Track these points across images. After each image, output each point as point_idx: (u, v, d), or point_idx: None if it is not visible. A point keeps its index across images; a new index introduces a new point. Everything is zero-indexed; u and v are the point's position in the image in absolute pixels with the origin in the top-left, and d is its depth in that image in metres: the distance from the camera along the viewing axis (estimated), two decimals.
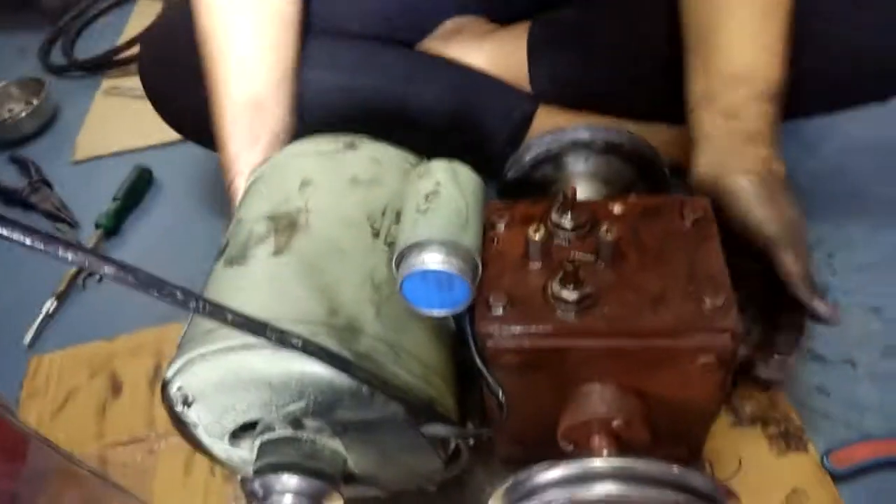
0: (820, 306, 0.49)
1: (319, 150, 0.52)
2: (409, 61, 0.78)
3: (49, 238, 0.28)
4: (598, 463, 0.41)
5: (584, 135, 0.59)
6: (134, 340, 0.78)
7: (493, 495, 0.45)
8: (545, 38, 0.78)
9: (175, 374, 0.44)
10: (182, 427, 0.47)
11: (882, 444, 0.59)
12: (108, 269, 0.29)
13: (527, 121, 0.78)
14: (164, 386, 0.45)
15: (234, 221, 0.52)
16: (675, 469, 0.40)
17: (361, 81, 0.74)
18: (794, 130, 0.84)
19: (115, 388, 0.74)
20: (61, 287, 0.86)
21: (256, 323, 0.35)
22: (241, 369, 0.41)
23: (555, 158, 0.60)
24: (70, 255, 0.28)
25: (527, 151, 0.60)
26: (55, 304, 0.85)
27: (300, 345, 0.36)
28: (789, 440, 0.60)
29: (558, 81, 0.78)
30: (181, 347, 0.45)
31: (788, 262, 0.50)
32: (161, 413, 0.46)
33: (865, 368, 0.65)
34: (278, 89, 0.65)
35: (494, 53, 0.80)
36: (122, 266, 0.30)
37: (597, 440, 0.47)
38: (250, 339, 0.41)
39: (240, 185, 0.59)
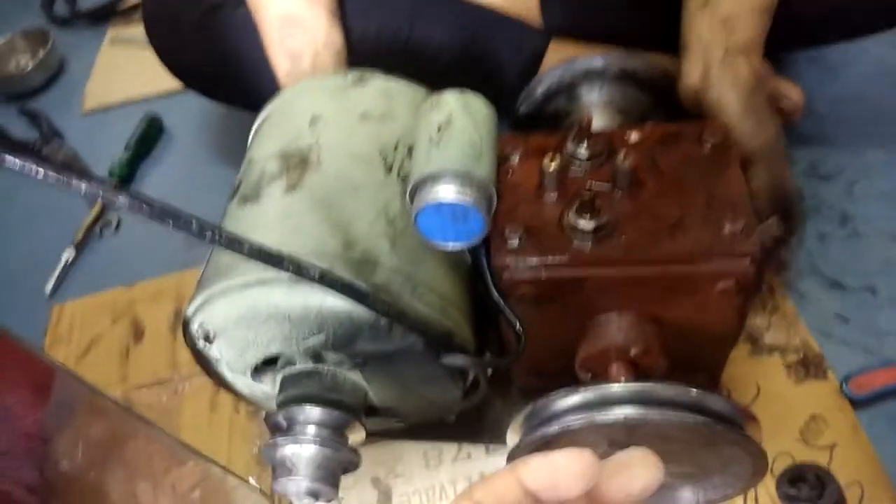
0: (768, 231, 0.49)
1: (327, 87, 0.52)
2: (410, 1, 0.76)
3: (62, 168, 0.28)
4: (616, 387, 0.41)
5: (597, 63, 0.58)
6: (154, 286, 0.79)
7: (513, 422, 0.46)
8: None
9: (195, 311, 0.44)
10: (205, 363, 0.48)
11: None
12: (122, 200, 0.29)
13: (538, 56, 0.76)
14: (186, 323, 0.45)
15: (245, 161, 0.52)
16: (694, 391, 0.40)
17: (366, 22, 0.72)
18: (815, 55, 0.82)
19: (138, 332, 0.75)
20: (79, 236, 0.87)
21: (273, 254, 0.35)
22: (259, 304, 0.42)
23: (567, 89, 0.59)
24: (84, 186, 0.28)
25: (539, 84, 0.59)
26: (74, 253, 0.86)
27: (317, 276, 0.36)
28: (808, 367, 0.60)
29: (570, 14, 0.76)
30: (200, 285, 0.45)
31: (759, 179, 0.51)
32: (184, 356, 0.47)
33: (885, 295, 0.64)
34: (313, 4, 0.64)
35: None
36: (136, 197, 0.30)
37: (614, 368, 0.47)
38: (267, 273, 0.41)
39: None
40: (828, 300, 0.65)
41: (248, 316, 0.42)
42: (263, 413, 0.57)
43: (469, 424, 0.56)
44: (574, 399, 0.42)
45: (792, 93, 0.70)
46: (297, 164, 0.46)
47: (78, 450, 0.36)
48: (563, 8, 0.75)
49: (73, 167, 0.28)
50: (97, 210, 0.90)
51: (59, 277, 0.84)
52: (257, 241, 0.42)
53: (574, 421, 0.41)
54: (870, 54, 0.82)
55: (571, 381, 0.49)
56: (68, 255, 0.86)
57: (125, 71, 1.13)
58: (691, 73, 0.54)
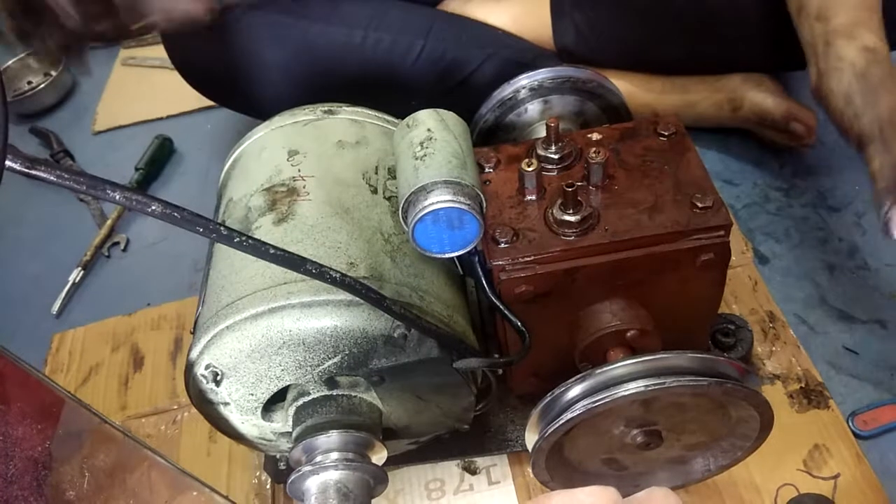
0: (890, 224, 0.46)
1: (299, 121, 0.53)
2: (426, 17, 0.78)
3: (95, 179, 0.27)
4: (626, 364, 0.43)
5: (538, 77, 0.62)
6: (154, 313, 0.79)
7: (529, 422, 0.46)
8: None
9: (201, 353, 0.43)
10: (209, 408, 0.46)
11: None
12: (155, 207, 0.29)
13: None
14: (190, 367, 0.44)
15: (223, 203, 0.52)
16: (700, 356, 0.42)
17: (381, 33, 0.74)
18: None
19: (137, 361, 0.75)
20: (87, 257, 0.88)
21: (296, 258, 0.35)
22: (272, 333, 0.41)
23: (515, 104, 0.62)
24: (118, 195, 0.28)
25: (490, 101, 0.62)
26: (81, 273, 0.86)
27: (339, 278, 0.36)
28: (810, 396, 0.60)
29: (582, 37, 0.80)
30: (200, 327, 0.44)
31: (872, 163, 0.48)
32: (183, 384, 0.46)
33: (895, 328, 0.65)
34: None
35: (516, 12, 0.81)
36: (168, 204, 0.30)
37: (613, 354, 0.49)
38: (277, 302, 0.41)
39: None
40: (836, 332, 0.65)
41: (261, 347, 0.42)
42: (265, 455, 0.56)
43: (474, 437, 0.56)
44: (587, 384, 0.43)
45: (804, 116, 0.75)
46: (285, 195, 0.47)
47: (84, 479, 0.34)
48: (575, 33, 0.79)
49: (105, 180, 0.28)
50: (105, 230, 0.90)
51: (66, 297, 0.84)
52: (258, 270, 0.42)
53: (593, 404, 0.42)
54: None
55: (568, 379, 0.51)
56: (76, 275, 0.85)
57: (136, 92, 1.14)
58: (811, 79, 0.54)
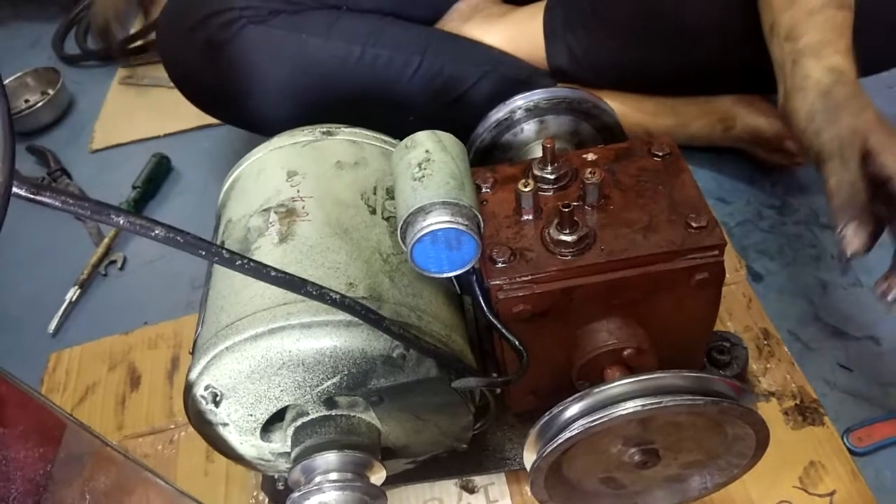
0: (843, 242, 0.46)
1: (298, 142, 0.53)
2: (423, 35, 0.80)
3: (100, 205, 0.28)
4: (623, 383, 0.43)
5: (534, 97, 0.62)
6: (151, 332, 0.79)
7: (528, 441, 0.46)
8: (562, 16, 0.81)
9: (201, 373, 0.43)
10: (208, 428, 0.46)
11: None
12: (158, 232, 0.30)
13: None
14: (189, 388, 0.44)
15: (222, 224, 0.52)
16: (696, 375, 0.43)
17: (378, 49, 0.75)
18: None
19: (134, 380, 0.75)
20: (83, 276, 0.88)
21: (297, 280, 0.36)
22: (272, 353, 0.42)
23: (511, 124, 0.63)
24: (122, 220, 0.28)
25: (485, 121, 0.63)
26: (78, 292, 0.86)
27: (339, 300, 0.37)
28: (805, 413, 0.61)
29: (575, 59, 0.81)
30: (200, 348, 0.44)
31: (829, 181, 0.48)
32: (180, 403, 0.46)
33: (888, 345, 0.65)
34: None
35: (511, 33, 0.82)
36: (171, 228, 0.30)
37: (610, 372, 0.50)
38: (276, 322, 0.42)
39: None
40: (830, 349, 0.66)
41: (260, 368, 0.42)
42: (262, 476, 0.56)
43: (472, 456, 0.56)
44: (585, 403, 0.44)
45: None
46: (284, 215, 0.47)
47: (85, 501, 0.34)
48: (567, 57, 0.81)
49: (108, 205, 0.28)
50: (102, 249, 0.90)
51: (62, 316, 0.84)
52: (257, 292, 0.43)
53: (592, 423, 0.43)
54: None
55: (565, 398, 0.51)
56: (72, 294, 0.85)
57: (134, 110, 1.14)
58: (779, 99, 0.55)
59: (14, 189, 0.26)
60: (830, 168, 0.48)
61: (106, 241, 0.91)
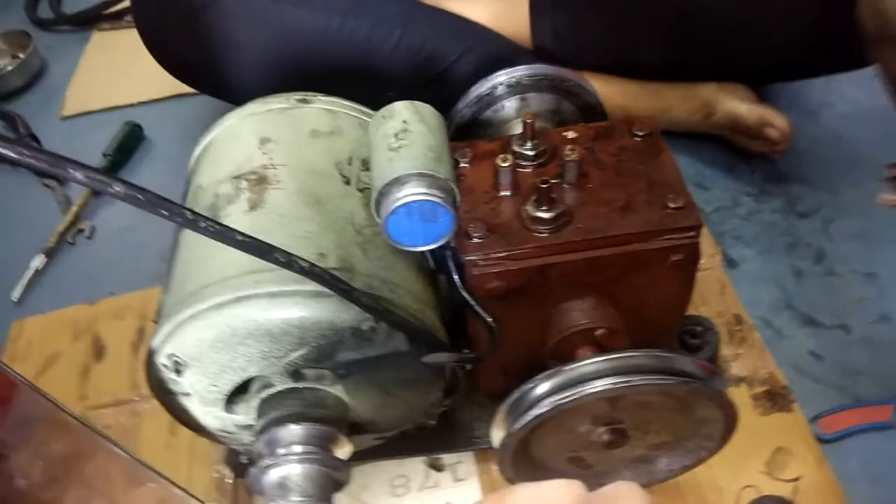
0: None
1: (272, 109, 0.52)
2: (406, 8, 0.78)
3: (57, 157, 0.26)
4: (594, 361, 0.43)
5: (516, 73, 0.62)
6: (118, 303, 0.77)
7: (496, 418, 0.46)
8: None
9: (164, 341, 0.42)
10: (169, 398, 0.45)
11: (870, 410, 0.60)
12: (118, 188, 0.28)
13: None
14: (151, 356, 0.43)
15: (191, 190, 0.50)
16: (667, 355, 0.43)
17: (357, 20, 0.74)
18: (795, 97, 0.87)
19: (98, 351, 0.73)
20: (50, 243, 0.85)
21: (264, 245, 0.35)
22: (237, 323, 0.40)
23: (493, 100, 0.62)
24: (80, 174, 0.27)
25: (466, 97, 0.62)
26: (45, 260, 0.84)
27: (307, 268, 0.36)
28: (774, 400, 0.61)
29: (560, 38, 0.80)
30: (163, 316, 0.43)
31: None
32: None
33: (858, 334, 0.66)
34: None
35: (496, 9, 0.81)
36: (131, 185, 0.29)
37: (582, 352, 0.49)
38: (243, 291, 0.40)
39: None
40: (802, 337, 0.66)
41: (225, 337, 0.41)
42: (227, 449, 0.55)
43: (440, 434, 0.56)
44: (556, 380, 0.43)
45: (778, 121, 0.75)
46: (255, 182, 0.46)
47: (36, 467, 0.33)
48: (553, 33, 0.79)
49: (67, 158, 0.27)
50: (70, 217, 0.88)
51: (27, 284, 0.81)
52: (227, 259, 0.42)
53: (561, 400, 0.42)
54: (847, 98, 0.86)
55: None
56: (38, 262, 0.83)
57: (108, 77, 1.10)
58: None
59: None
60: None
61: (74, 208, 0.89)
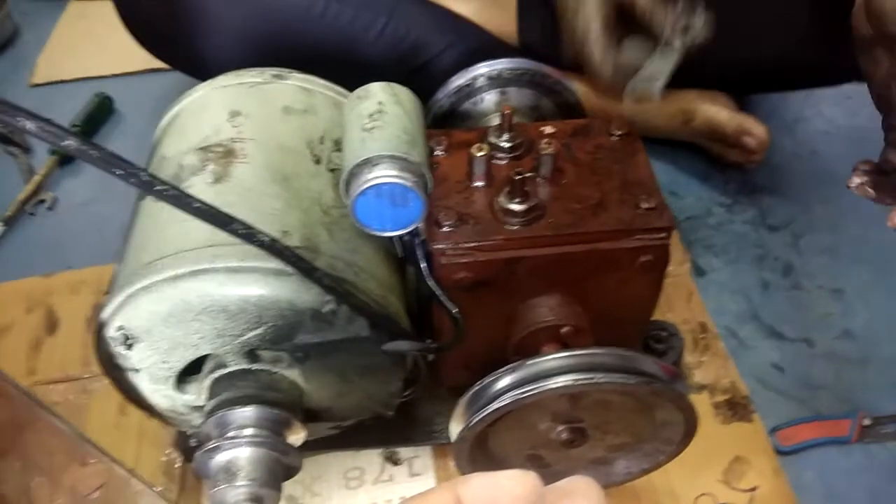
0: None
1: (244, 82, 0.50)
2: None
3: (7, 105, 0.25)
4: (557, 357, 0.42)
5: (497, 67, 0.61)
6: (74, 277, 0.75)
7: (455, 411, 0.45)
8: None
9: (114, 313, 0.40)
10: (117, 373, 0.43)
11: (828, 424, 0.61)
12: (70, 142, 0.27)
13: None
14: (100, 328, 0.41)
15: (155, 159, 0.49)
16: (630, 354, 0.42)
17: (342, 6, 0.72)
18: (773, 111, 0.87)
19: (51, 325, 0.70)
20: (9, 212, 0.83)
21: (223, 215, 0.33)
22: (192, 297, 0.39)
23: (472, 93, 0.61)
24: (30, 124, 0.25)
25: (446, 87, 0.61)
26: (3, 229, 0.82)
27: (268, 243, 0.34)
28: (735, 409, 0.61)
29: (547, 37, 0.78)
30: (116, 286, 0.41)
31: None
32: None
33: (821, 348, 0.66)
34: None
35: (481, 4, 0.80)
36: (85, 140, 0.27)
37: (546, 349, 0.49)
38: (200, 265, 0.39)
39: None
40: (766, 349, 0.67)
41: (178, 311, 0.39)
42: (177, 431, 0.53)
43: (400, 427, 0.54)
44: (517, 374, 0.43)
45: (757, 130, 0.75)
46: (221, 155, 0.45)
47: None
48: (541, 30, 0.78)
49: (20, 107, 0.25)
50: (32, 186, 0.85)
51: None
52: (187, 230, 0.40)
53: (522, 394, 0.42)
54: (823, 114, 0.88)
55: None
56: None
57: (81, 47, 1.08)
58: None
59: None
60: None
61: (37, 178, 0.86)
